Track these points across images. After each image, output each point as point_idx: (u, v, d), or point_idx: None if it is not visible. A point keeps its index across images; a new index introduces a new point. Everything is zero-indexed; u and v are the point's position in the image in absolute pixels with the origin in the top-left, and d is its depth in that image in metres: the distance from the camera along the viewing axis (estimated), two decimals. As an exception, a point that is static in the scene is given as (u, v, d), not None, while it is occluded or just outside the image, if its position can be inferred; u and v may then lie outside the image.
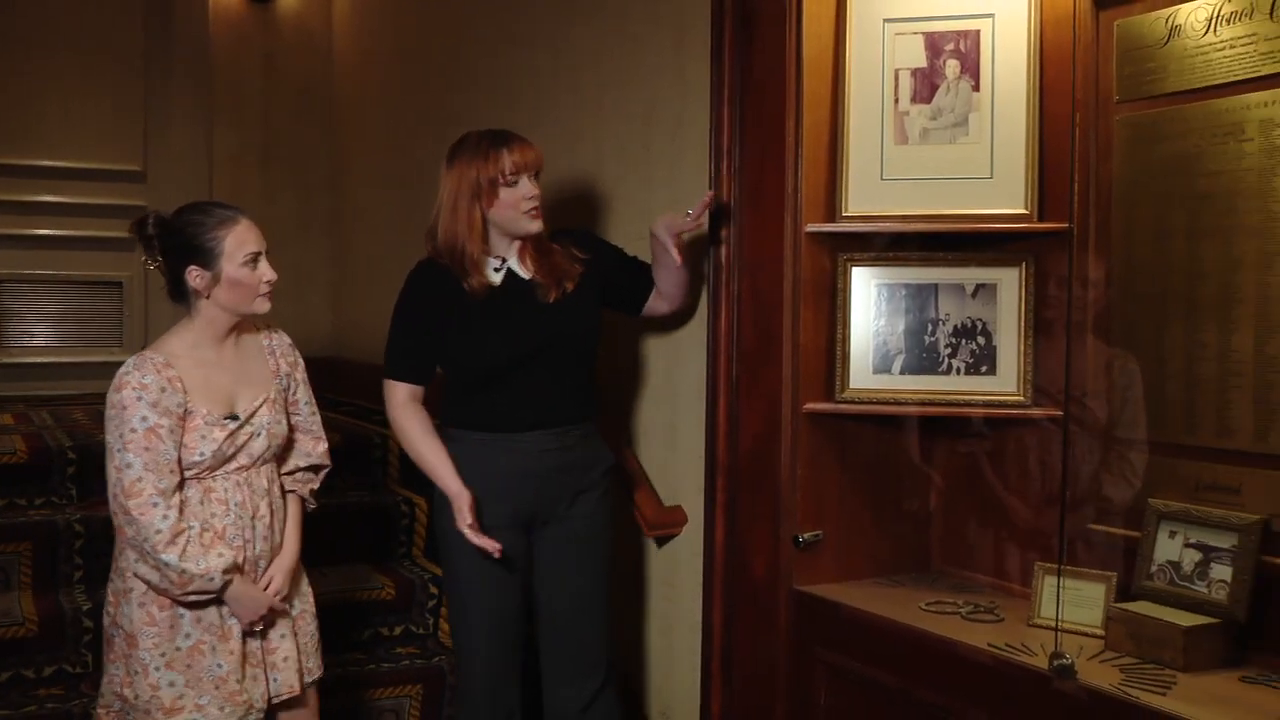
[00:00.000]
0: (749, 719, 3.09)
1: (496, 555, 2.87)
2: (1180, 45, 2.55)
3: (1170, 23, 2.57)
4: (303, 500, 2.90)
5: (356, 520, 4.18)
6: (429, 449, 2.98)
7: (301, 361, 2.92)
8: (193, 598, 2.61)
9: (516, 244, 3.01)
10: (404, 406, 3.00)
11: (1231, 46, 2.46)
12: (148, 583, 2.61)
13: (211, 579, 2.59)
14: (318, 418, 2.92)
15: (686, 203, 3.26)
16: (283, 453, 2.84)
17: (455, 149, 2.99)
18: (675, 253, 2.98)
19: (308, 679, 2.84)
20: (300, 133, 6.05)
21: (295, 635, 2.81)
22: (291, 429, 2.85)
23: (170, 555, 2.54)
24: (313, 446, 2.90)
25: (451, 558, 3.04)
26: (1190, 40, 2.53)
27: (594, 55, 3.73)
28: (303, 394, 2.89)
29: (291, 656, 2.79)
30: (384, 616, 3.87)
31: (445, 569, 3.13)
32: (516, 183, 2.93)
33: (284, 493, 2.85)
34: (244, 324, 2.80)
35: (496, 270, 3.00)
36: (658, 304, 3.17)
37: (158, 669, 2.63)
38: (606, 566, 3.11)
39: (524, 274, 3.00)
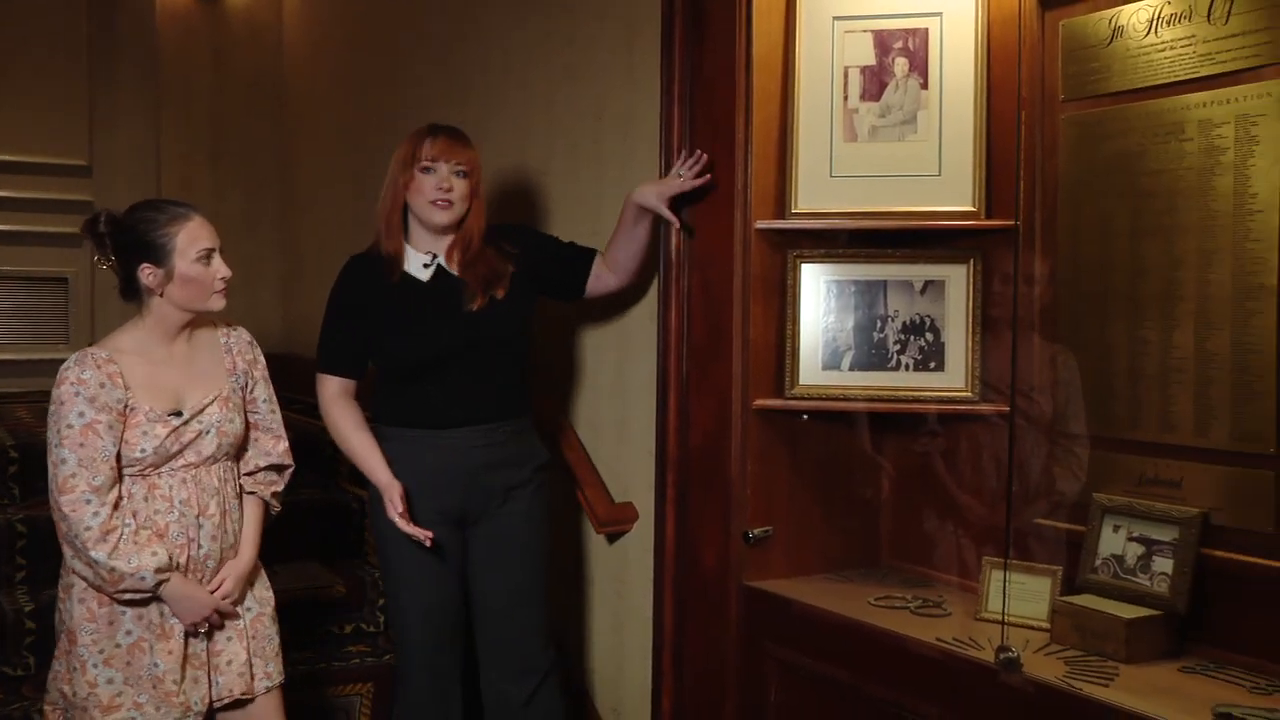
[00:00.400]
0: (700, 714, 3.10)
1: (428, 544, 2.88)
2: (1123, 46, 2.59)
3: (1113, 23, 2.60)
4: (265, 504, 2.86)
5: (308, 518, 4.16)
6: (359, 441, 2.99)
7: (262, 359, 2.89)
8: (127, 596, 2.58)
9: (444, 241, 3.01)
10: (335, 400, 3.01)
11: (1171, 48, 2.49)
12: (84, 579, 2.59)
13: (142, 578, 2.56)
14: (278, 416, 2.89)
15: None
16: (241, 452, 2.82)
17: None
18: (674, 217, 3.00)
19: (266, 683, 2.79)
20: (250, 127, 6.00)
21: (248, 638, 2.78)
22: (250, 427, 2.83)
23: (99, 553, 2.52)
24: (273, 445, 2.86)
25: (386, 553, 3.05)
26: (1132, 41, 2.57)
27: (545, 52, 3.72)
28: (262, 392, 2.86)
29: (239, 660, 2.75)
30: (335, 615, 3.86)
31: (381, 565, 3.14)
32: (432, 170, 2.94)
33: (242, 493, 2.82)
34: (200, 320, 2.78)
35: (426, 266, 3.01)
36: (605, 279, 3.16)
37: (95, 666, 2.61)
38: (543, 562, 3.12)
39: (454, 271, 3.02)
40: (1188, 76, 2.47)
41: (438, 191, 2.95)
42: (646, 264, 3.17)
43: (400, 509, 2.89)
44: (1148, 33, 2.54)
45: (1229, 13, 2.39)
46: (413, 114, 4.43)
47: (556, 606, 3.51)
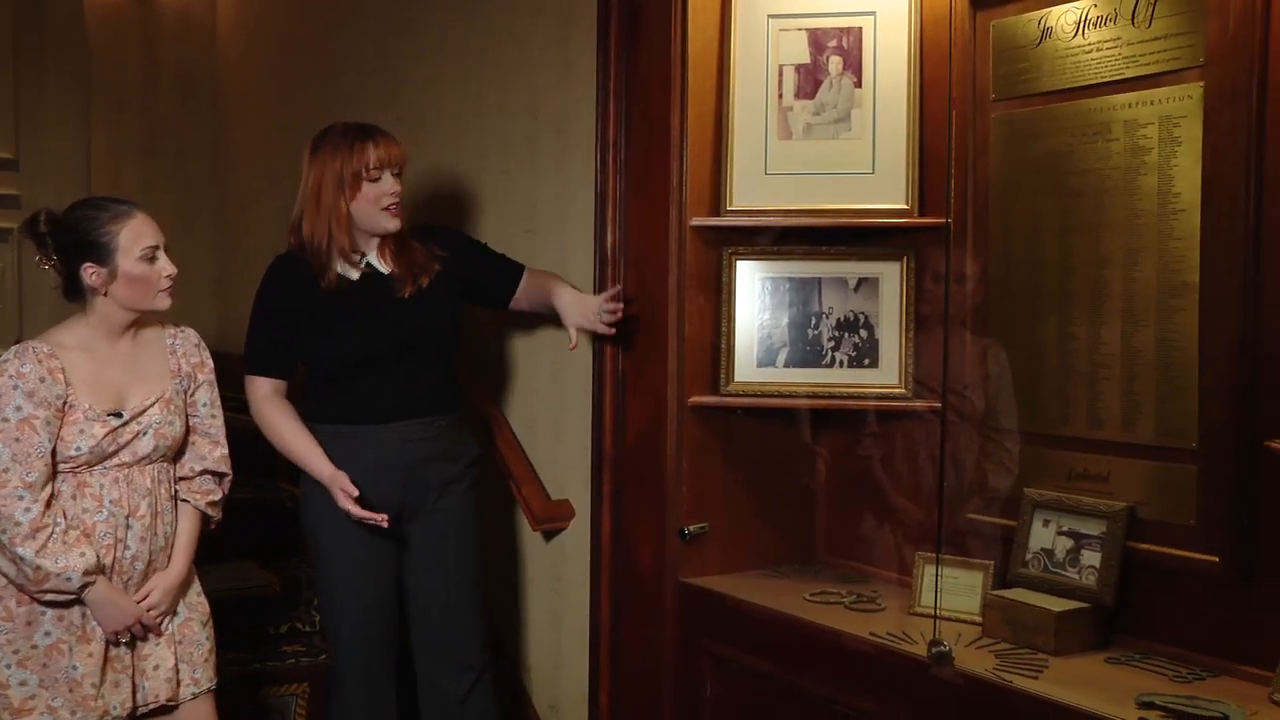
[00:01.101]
0: (637, 711, 3.12)
1: (385, 525, 2.86)
2: (1052, 47, 2.63)
3: (1042, 25, 2.64)
4: (204, 515, 2.81)
5: (242, 517, 4.09)
6: (296, 437, 2.97)
7: (209, 361, 2.84)
8: (49, 596, 2.54)
9: (376, 240, 3.01)
10: (266, 400, 3.00)
11: (1098, 49, 2.54)
12: (5, 576, 2.55)
13: (69, 579, 2.52)
14: (219, 421, 2.84)
15: (571, 194, 3.31)
16: (179, 455, 2.77)
17: (319, 140, 3.00)
18: (574, 338, 3.03)
19: (193, 690, 2.75)
20: (183, 124, 5.91)
21: (175, 644, 2.73)
22: (189, 431, 2.78)
23: (27, 550, 2.48)
24: (209, 450, 2.80)
25: (320, 551, 3.04)
26: (1061, 42, 2.61)
27: (479, 48, 3.71)
28: (204, 395, 2.81)
29: (165, 665, 2.70)
30: (270, 614, 3.82)
31: (315, 564, 3.13)
32: (379, 178, 2.93)
33: (177, 499, 2.78)
34: (146, 320, 2.74)
35: (354, 265, 3.00)
36: (522, 303, 3.21)
37: (9, 666, 2.56)
38: (478, 557, 3.12)
39: (383, 269, 3.01)
40: (1114, 78, 2.51)
41: (389, 198, 2.95)
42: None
43: (354, 493, 2.86)
44: (1075, 34, 2.58)
45: (1151, 16, 2.44)
46: (349, 111, 4.39)
47: (494, 605, 3.51)
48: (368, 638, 3.03)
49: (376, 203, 2.94)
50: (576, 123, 3.29)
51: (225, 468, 2.84)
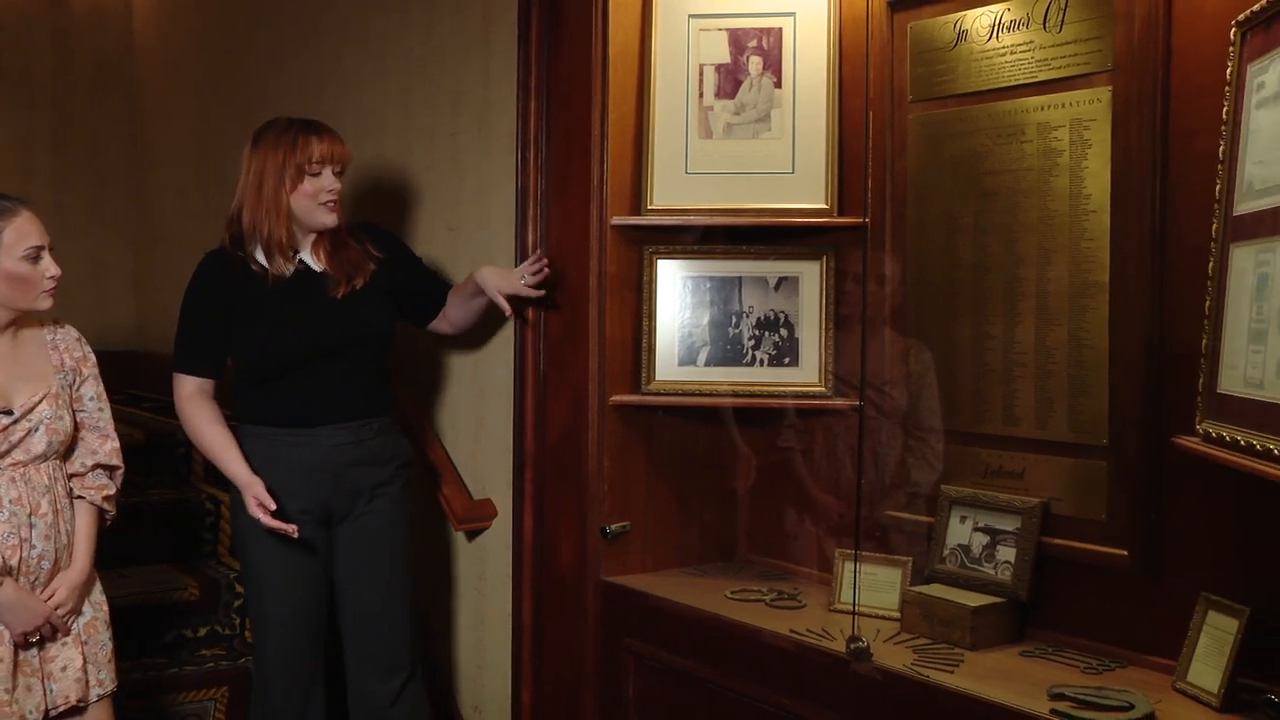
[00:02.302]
0: (559, 709, 3.13)
1: (294, 535, 2.85)
2: (967, 49, 2.67)
3: (958, 27, 2.68)
4: (100, 510, 2.78)
5: (159, 519, 4.07)
6: (216, 439, 2.94)
7: (91, 356, 2.82)
8: None
9: (311, 237, 2.99)
10: (191, 399, 2.96)
11: (1012, 53, 2.58)
12: None
13: None
14: (107, 415, 2.81)
15: (493, 192, 3.31)
16: (70, 451, 2.74)
17: (261, 132, 2.98)
18: (506, 305, 3.02)
19: (100, 691, 2.72)
20: (97, 116, 5.81)
21: (82, 644, 2.71)
22: (77, 426, 2.75)
23: None
24: (99, 444, 2.77)
25: (248, 552, 3.01)
26: (976, 45, 2.65)
27: (402, 44, 3.70)
28: (89, 389, 2.78)
29: (73, 666, 2.68)
30: (188, 618, 3.78)
31: (243, 566, 3.09)
32: (320, 174, 2.92)
33: (72, 495, 2.74)
34: (25, 319, 2.70)
35: (288, 262, 2.98)
36: (442, 325, 3.21)
37: None
38: (408, 560, 3.12)
39: (316, 267, 2.99)
40: (1027, 81, 2.56)
41: (328, 194, 2.93)
42: (479, 324, 3.22)
43: (269, 504, 2.84)
44: (990, 38, 2.62)
45: (1062, 22, 2.49)
46: (270, 105, 4.36)
47: (417, 605, 3.50)
48: (295, 643, 3.01)
49: (315, 197, 2.93)
50: (498, 118, 3.29)
51: (117, 461, 2.80)
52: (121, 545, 3.27)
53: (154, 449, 4.22)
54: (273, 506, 2.84)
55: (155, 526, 4.03)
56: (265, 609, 3.01)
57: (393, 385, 3.17)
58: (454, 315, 3.18)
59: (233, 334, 2.95)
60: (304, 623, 3.01)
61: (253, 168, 2.95)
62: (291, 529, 2.84)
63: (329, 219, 2.95)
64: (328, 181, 2.93)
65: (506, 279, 3.03)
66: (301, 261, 2.99)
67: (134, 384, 5.27)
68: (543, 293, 3.03)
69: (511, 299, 3.04)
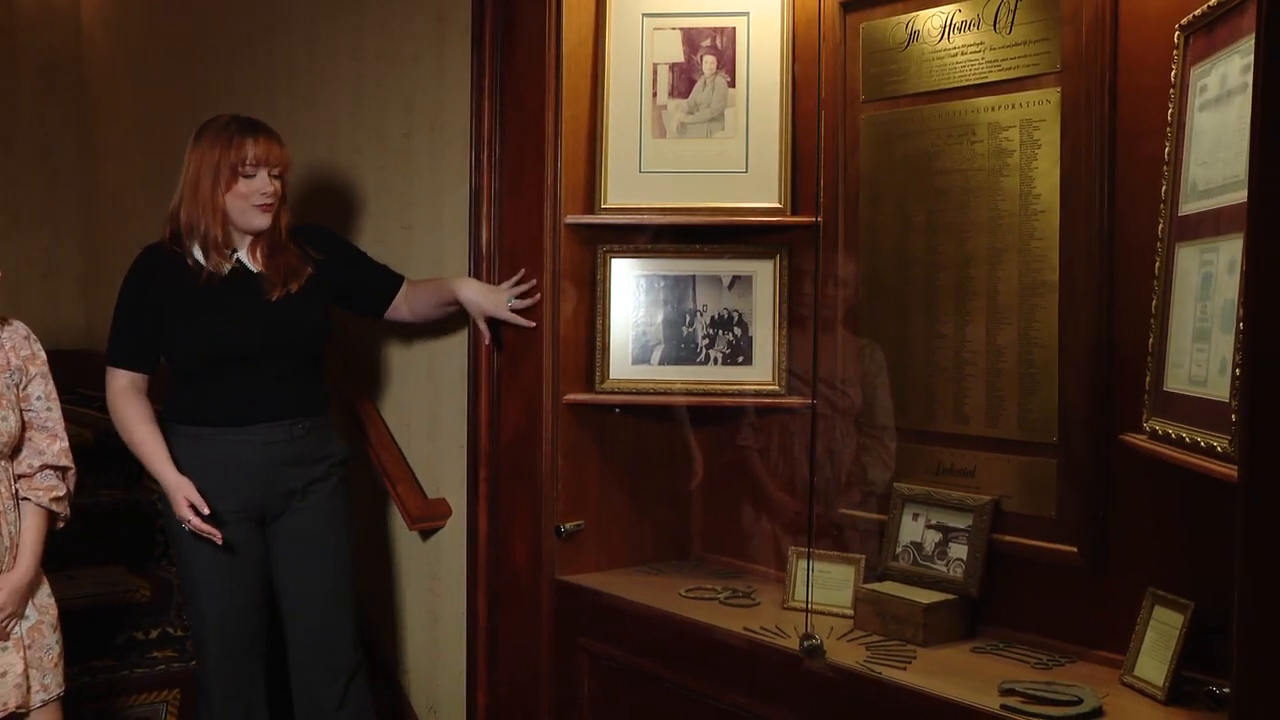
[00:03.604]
0: (514, 709, 3.12)
1: (219, 542, 2.84)
2: (919, 50, 2.68)
3: (910, 28, 2.70)
4: (50, 512, 2.72)
5: (110, 520, 4.03)
6: (144, 437, 2.92)
7: (40, 354, 2.77)
8: None
9: (249, 237, 2.98)
10: (122, 394, 2.95)
11: (963, 53, 2.60)
12: None
13: None
14: (56, 414, 2.76)
15: (446, 191, 3.31)
16: (16, 452, 2.69)
17: (202, 129, 2.97)
18: (488, 333, 3.02)
19: (43, 696, 2.67)
20: (46, 114, 5.73)
21: (24, 649, 2.65)
22: (25, 426, 2.70)
23: None
24: (48, 444, 2.72)
25: (182, 553, 2.99)
26: (927, 45, 2.66)
27: (353, 43, 3.68)
28: (36, 388, 2.73)
29: (14, 671, 2.62)
30: (138, 619, 3.74)
31: (179, 568, 3.09)
32: (254, 175, 2.91)
33: (19, 498, 2.70)
34: None
35: (225, 260, 2.97)
36: (401, 311, 3.19)
37: None
38: (348, 557, 3.10)
39: (253, 267, 2.98)
40: (977, 81, 2.57)
41: (262, 197, 2.92)
42: (441, 319, 3.22)
43: (201, 507, 2.82)
44: (941, 38, 2.64)
45: (1012, 23, 2.50)
46: (221, 105, 4.30)
47: (371, 606, 3.49)
48: (232, 645, 2.99)
49: (248, 199, 2.92)
50: (451, 118, 3.28)
51: (67, 461, 2.75)
52: (72, 546, 3.23)
53: (104, 449, 4.16)
54: (205, 510, 2.82)
55: (106, 527, 3.99)
56: (202, 613, 2.99)
57: (326, 386, 3.15)
58: (419, 308, 3.16)
59: (164, 330, 2.93)
60: (241, 626, 2.99)
61: (192, 164, 2.94)
62: (217, 535, 2.82)
63: (260, 221, 2.94)
64: (261, 184, 2.92)
65: (491, 300, 3.01)
66: (239, 261, 2.97)
67: (84, 383, 5.20)
68: (531, 324, 2.98)
69: (492, 322, 3.03)
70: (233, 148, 2.90)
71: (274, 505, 2.99)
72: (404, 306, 3.18)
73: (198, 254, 2.94)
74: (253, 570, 2.99)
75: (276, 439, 2.96)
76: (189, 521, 2.83)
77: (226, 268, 2.95)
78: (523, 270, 3.01)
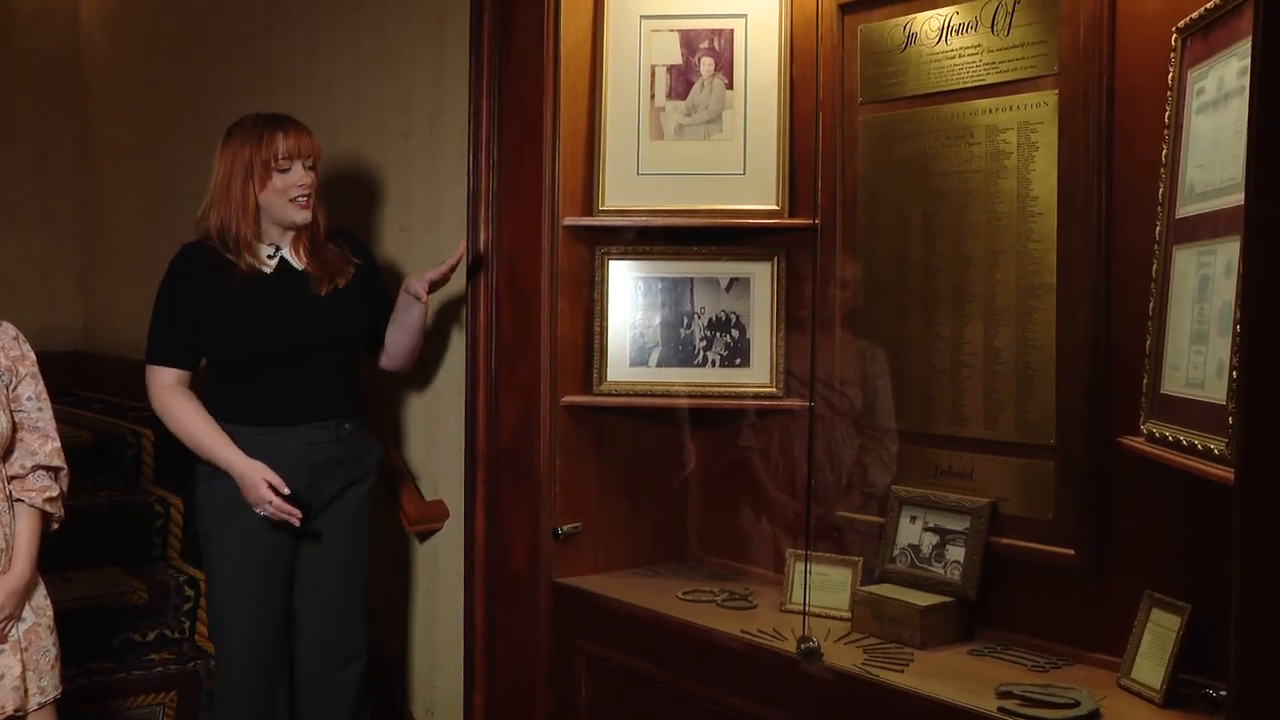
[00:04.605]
0: (512, 712, 3.12)
1: (297, 524, 2.83)
2: (917, 52, 2.69)
3: (908, 30, 2.70)
4: (44, 514, 2.70)
5: (107, 521, 4.02)
6: (206, 429, 2.89)
7: (30, 354, 2.75)
8: None
9: (290, 234, 2.97)
10: (169, 390, 2.91)
11: (960, 55, 2.60)
12: None
13: None
14: (47, 415, 2.73)
15: (444, 192, 3.32)
16: (8, 453, 2.67)
17: (231, 130, 2.96)
18: (424, 294, 2.95)
19: (39, 699, 2.65)
20: (43, 113, 5.71)
21: (22, 651, 2.63)
22: (16, 427, 2.68)
23: None
24: (39, 445, 2.69)
25: (215, 557, 2.96)
26: (925, 48, 2.67)
27: (352, 43, 3.69)
28: (26, 389, 2.71)
29: (11, 674, 2.60)
30: (136, 621, 3.74)
31: (208, 570, 3.04)
32: (289, 169, 2.90)
33: (11, 499, 2.68)
34: None
35: (270, 258, 2.96)
36: (383, 359, 3.17)
37: None
38: (367, 559, 3.11)
39: (297, 264, 2.97)
40: (975, 83, 2.58)
41: (299, 189, 2.91)
42: (415, 350, 3.15)
43: (282, 487, 2.80)
44: (939, 40, 2.64)
45: (1010, 25, 2.51)
46: (219, 106, 4.33)
47: (369, 607, 3.48)
48: (260, 649, 2.97)
49: (285, 193, 2.90)
50: (450, 119, 3.28)
51: (59, 461, 2.73)
52: (69, 548, 3.22)
53: (102, 450, 4.17)
54: (285, 490, 2.81)
55: (103, 529, 3.98)
56: (229, 617, 2.96)
57: (362, 388, 3.14)
58: (392, 345, 3.12)
59: (209, 327, 2.91)
60: (269, 631, 2.98)
61: (221, 166, 2.93)
62: (297, 515, 2.81)
63: (300, 215, 2.93)
64: (297, 177, 2.91)
65: (427, 272, 2.96)
66: (283, 259, 2.97)
67: (82, 384, 5.21)
68: (445, 269, 2.93)
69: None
70: (263, 144, 2.88)
71: (313, 505, 2.96)
72: (383, 353, 3.14)
73: (231, 255, 2.92)
74: (284, 576, 2.98)
75: (322, 439, 2.95)
76: (269, 504, 2.80)
77: (264, 267, 2.94)
78: (462, 245, 2.99)
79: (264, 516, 2.86)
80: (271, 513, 2.82)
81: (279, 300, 2.93)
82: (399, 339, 3.10)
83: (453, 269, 2.96)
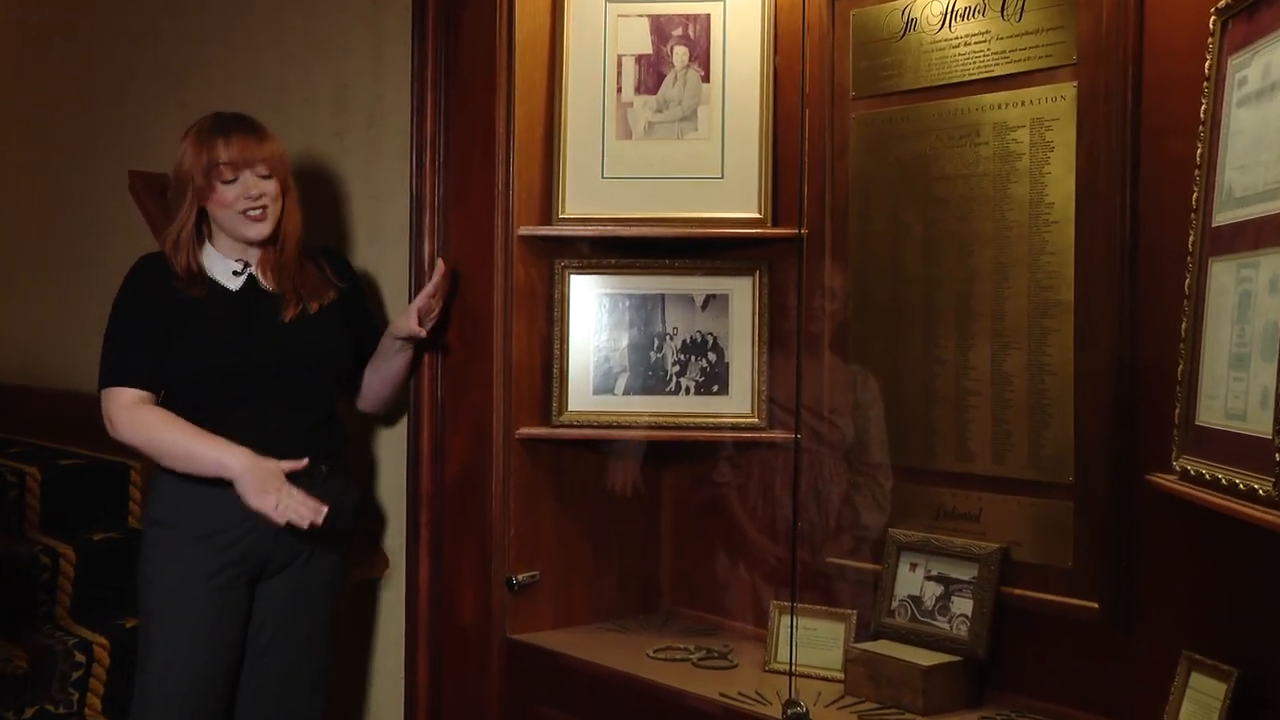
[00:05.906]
0: (459, 787, 3.08)
1: (320, 520, 2.72)
2: (916, 40, 2.67)
3: (906, 15, 2.69)
4: None
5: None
6: (188, 432, 2.79)
7: None
8: None
9: (258, 251, 2.90)
10: (133, 406, 2.81)
11: (966, 44, 2.59)
12: None
13: None
14: None
15: (384, 199, 3.31)
16: None
17: (187, 130, 2.89)
18: (418, 329, 2.90)
19: None
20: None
21: None
22: None
23: None
24: None
25: (156, 610, 2.84)
26: (926, 35, 2.66)
27: (276, 28, 3.67)
28: None
29: None
30: (12, 697, 3.59)
31: (146, 623, 2.90)
32: (234, 179, 2.82)
33: None
34: None
35: (236, 274, 2.89)
36: (362, 401, 3.13)
37: None
38: (332, 635, 3.01)
39: (265, 284, 2.90)
40: (982, 75, 2.57)
41: (246, 202, 2.83)
42: (396, 396, 3.13)
43: (297, 464, 2.74)
44: (942, 26, 2.63)
45: (1022, 9, 2.49)
46: (120, 101, 4.27)
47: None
48: (193, 713, 2.86)
49: (233, 206, 2.82)
50: (390, 115, 3.26)
51: None
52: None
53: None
54: (300, 465, 2.74)
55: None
56: (166, 678, 2.84)
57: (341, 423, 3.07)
58: (372, 384, 3.08)
59: (165, 348, 2.82)
60: (210, 696, 2.86)
61: (174, 173, 2.87)
62: (323, 510, 2.71)
63: (253, 230, 2.85)
64: (244, 188, 2.82)
65: (405, 321, 2.93)
66: (251, 276, 2.90)
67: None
68: (424, 334, 2.93)
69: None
70: (204, 151, 2.81)
71: (279, 558, 2.87)
72: (362, 394, 3.11)
73: (189, 268, 2.86)
74: (235, 636, 2.88)
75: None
76: (285, 505, 2.70)
77: (236, 284, 2.88)
78: (440, 262, 2.96)
79: (228, 570, 2.80)
80: (293, 517, 2.71)
81: (244, 321, 2.86)
82: (377, 389, 3.08)
83: (439, 289, 2.92)
